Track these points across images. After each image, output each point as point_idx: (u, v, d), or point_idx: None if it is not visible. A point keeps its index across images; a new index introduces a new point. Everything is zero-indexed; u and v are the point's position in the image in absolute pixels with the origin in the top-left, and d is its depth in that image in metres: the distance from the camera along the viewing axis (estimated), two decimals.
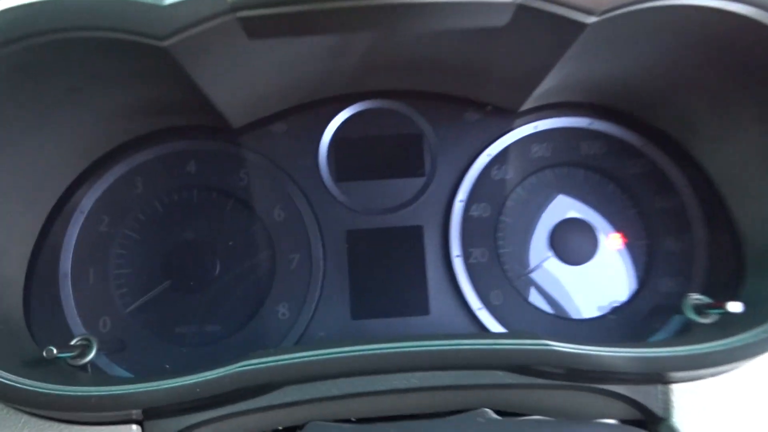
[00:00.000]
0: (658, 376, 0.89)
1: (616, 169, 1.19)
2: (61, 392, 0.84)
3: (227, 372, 0.85)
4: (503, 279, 1.16)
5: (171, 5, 0.78)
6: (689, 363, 0.87)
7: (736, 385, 0.90)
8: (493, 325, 1.14)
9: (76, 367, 0.99)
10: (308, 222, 1.16)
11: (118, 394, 0.85)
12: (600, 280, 1.17)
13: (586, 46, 0.88)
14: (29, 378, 0.86)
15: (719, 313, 0.99)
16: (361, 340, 0.88)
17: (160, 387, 0.85)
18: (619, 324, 1.14)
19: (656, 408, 0.90)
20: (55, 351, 0.91)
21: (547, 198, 1.20)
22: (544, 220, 1.19)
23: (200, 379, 0.85)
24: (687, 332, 1.07)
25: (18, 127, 0.95)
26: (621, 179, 1.19)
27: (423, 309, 1.15)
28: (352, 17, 0.79)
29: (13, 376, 0.85)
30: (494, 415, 0.90)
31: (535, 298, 1.17)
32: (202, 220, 1.17)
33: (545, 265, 1.18)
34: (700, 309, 1.01)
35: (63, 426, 0.89)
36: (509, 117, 1.19)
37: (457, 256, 1.16)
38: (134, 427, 0.89)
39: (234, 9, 0.77)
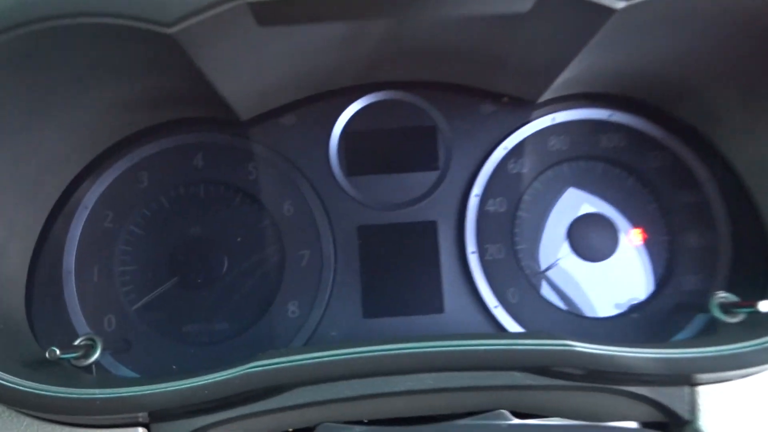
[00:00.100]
0: (684, 377, 0.88)
1: (637, 162, 1.17)
2: (64, 394, 0.84)
3: (236, 373, 0.84)
4: (520, 276, 1.14)
5: None
6: (718, 364, 0.85)
7: (765, 387, 0.89)
8: (510, 324, 1.13)
9: (81, 367, 0.98)
10: (318, 217, 1.15)
11: (124, 397, 0.84)
12: (620, 277, 1.16)
13: (612, 33, 0.86)
14: (31, 380, 0.85)
15: (747, 312, 0.97)
16: (374, 340, 0.87)
17: (167, 389, 0.84)
18: (640, 323, 1.13)
19: (681, 410, 0.89)
20: (58, 351, 0.90)
21: (565, 192, 1.18)
22: (562, 215, 1.17)
23: (208, 381, 0.84)
24: (712, 332, 1.06)
25: (18, 118, 0.93)
26: (642, 173, 1.17)
27: (437, 307, 1.14)
28: (366, 3, 0.78)
29: (15, 378, 0.85)
30: (511, 417, 0.89)
31: (552, 296, 1.16)
32: (209, 216, 1.16)
33: (563, 262, 1.16)
34: (726, 307, 0.99)
35: (67, 429, 0.89)
36: (526, 108, 1.17)
37: (473, 252, 1.14)
38: (140, 429, 0.88)
39: None
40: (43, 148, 1.03)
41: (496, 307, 1.13)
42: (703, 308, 1.03)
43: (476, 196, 1.16)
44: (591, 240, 1.16)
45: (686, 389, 0.89)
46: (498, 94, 1.17)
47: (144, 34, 0.78)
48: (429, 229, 1.15)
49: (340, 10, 0.79)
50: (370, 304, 1.13)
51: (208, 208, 1.17)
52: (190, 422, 0.88)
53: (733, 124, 1.09)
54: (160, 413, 0.86)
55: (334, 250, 1.14)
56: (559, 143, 1.18)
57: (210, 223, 1.16)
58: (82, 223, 1.14)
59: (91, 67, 0.91)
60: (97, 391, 0.84)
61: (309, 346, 1.11)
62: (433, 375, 0.87)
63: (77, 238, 1.13)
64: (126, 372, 1.09)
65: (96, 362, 0.99)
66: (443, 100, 1.18)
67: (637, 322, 1.12)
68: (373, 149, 1.18)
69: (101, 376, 1.02)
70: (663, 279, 1.15)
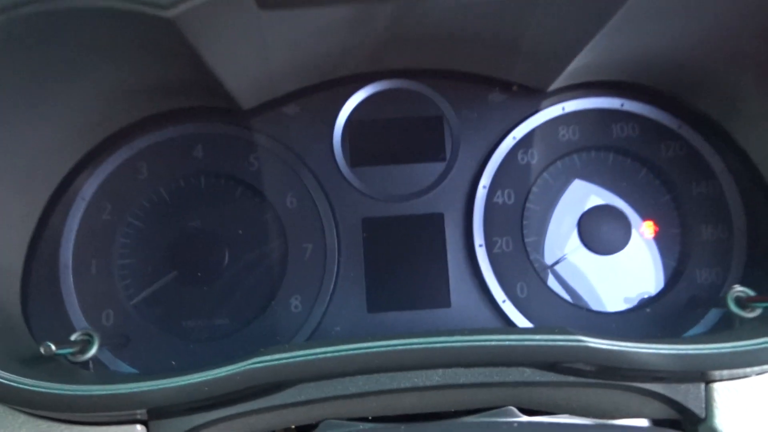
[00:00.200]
0: (700, 374, 0.86)
1: (650, 152, 1.16)
2: (60, 391, 0.83)
3: (237, 369, 0.83)
4: (529, 270, 1.14)
5: None
6: (735, 361, 0.84)
7: None
8: (519, 319, 1.12)
9: (77, 363, 0.97)
10: (322, 209, 1.14)
11: (122, 393, 0.83)
12: (631, 271, 1.15)
13: (629, 17, 0.84)
14: (27, 376, 0.84)
15: (765, 307, 0.96)
16: (379, 336, 0.86)
17: (165, 385, 0.83)
18: (653, 318, 1.12)
19: (696, 408, 0.88)
20: (53, 347, 0.89)
21: (575, 184, 1.17)
22: (572, 207, 1.17)
23: (208, 377, 0.83)
24: (726, 327, 1.04)
25: (11, 106, 0.92)
26: (654, 164, 1.17)
27: (444, 301, 1.13)
28: None
29: (10, 375, 0.83)
30: (519, 414, 0.89)
31: (561, 290, 1.15)
32: (210, 208, 1.16)
33: (573, 255, 1.16)
34: (742, 302, 0.98)
35: (63, 426, 0.88)
36: (536, 97, 1.16)
37: (480, 245, 1.13)
38: (139, 427, 0.87)
39: None
40: (39, 137, 1.01)
41: (504, 301, 1.12)
42: (718, 303, 1.03)
43: (484, 187, 1.15)
44: (602, 233, 1.15)
45: (701, 386, 0.88)
46: (507, 82, 1.17)
47: (141, 18, 0.76)
48: (435, 222, 1.15)
49: None
50: (375, 299, 1.13)
51: (209, 200, 1.16)
52: (189, 419, 0.87)
53: (749, 112, 1.08)
54: (158, 410, 0.85)
55: (337, 243, 1.13)
56: (570, 133, 1.17)
57: (211, 216, 1.15)
58: (80, 216, 1.13)
59: (87, 53, 0.89)
60: (93, 387, 0.82)
61: (312, 341, 1.10)
62: (440, 371, 0.87)
63: (74, 231, 1.12)
64: (124, 368, 1.09)
65: (93, 358, 0.98)
66: (450, 88, 1.17)
67: (650, 317, 1.12)
68: (378, 139, 1.17)
69: (99, 372, 1.01)
70: (676, 273, 1.14)
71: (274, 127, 1.16)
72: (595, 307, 1.14)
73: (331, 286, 1.12)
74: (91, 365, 0.98)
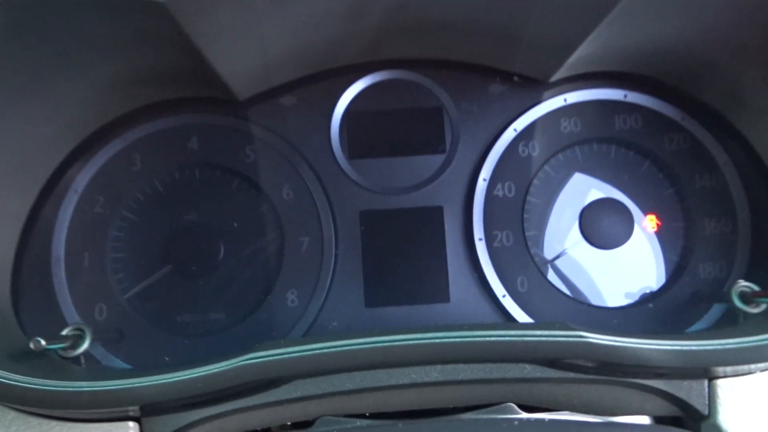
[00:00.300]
0: (703, 370, 0.86)
1: (653, 145, 1.16)
2: (50, 387, 0.82)
3: (232, 365, 0.82)
4: (529, 264, 1.13)
5: None
6: (739, 357, 0.84)
7: None
8: (519, 314, 1.12)
9: (69, 359, 0.97)
10: (319, 202, 1.14)
11: (114, 389, 0.82)
12: (634, 265, 1.15)
13: (631, 7, 0.84)
14: (17, 372, 0.83)
15: None
16: (377, 331, 0.85)
17: (159, 381, 0.83)
18: (655, 313, 1.12)
19: (699, 405, 0.88)
20: (43, 342, 0.88)
21: (576, 177, 1.17)
22: (574, 200, 1.17)
23: (203, 373, 0.83)
24: (730, 322, 1.04)
25: (3, 96, 0.91)
26: (657, 156, 1.16)
27: (443, 296, 1.13)
28: None
29: (0, 371, 0.83)
30: (519, 411, 0.88)
31: (563, 285, 1.15)
32: (205, 201, 1.15)
33: (574, 249, 1.15)
34: (747, 297, 0.98)
35: (54, 423, 0.87)
36: (537, 89, 1.16)
37: (480, 239, 1.13)
38: (131, 424, 0.86)
39: None
40: (30, 128, 1.01)
41: (504, 296, 1.12)
42: (721, 298, 1.02)
43: (484, 180, 1.15)
44: (603, 226, 1.15)
45: (704, 383, 0.87)
46: (508, 72, 1.17)
47: (133, 4, 0.76)
48: (434, 215, 1.14)
49: None
50: (373, 293, 1.12)
51: (204, 192, 1.16)
52: (183, 416, 0.86)
53: (754, 104, 1.07)
54: (152, 407, 0.84)
55: (335, 236, 1.13)
56: (571, 125, 1.17)
57: (206, 209, 1.15)
58: (72, 208, 1.13)
59: (78, 41, 0.89)
60: (84, 383, 0.82)
61: (309, 336, 1.10)
62: (438, 367, 0.86)
63: (67, 224, 1.12)
64: (118, 363, 1.08)
65: (85, 353, 0.98)
66: (450, 79, 1.17)
67: (652, 312, 1.12)
68: (376, 131, 1.17)
69: (90, 368, 1.01)
70: (679, 267, 1.14)
71: (270, 118, 1.16)
72: (596, 302, 1.14)
73: (328, 280, 1.12)
74: (82, 361, 0.98)
